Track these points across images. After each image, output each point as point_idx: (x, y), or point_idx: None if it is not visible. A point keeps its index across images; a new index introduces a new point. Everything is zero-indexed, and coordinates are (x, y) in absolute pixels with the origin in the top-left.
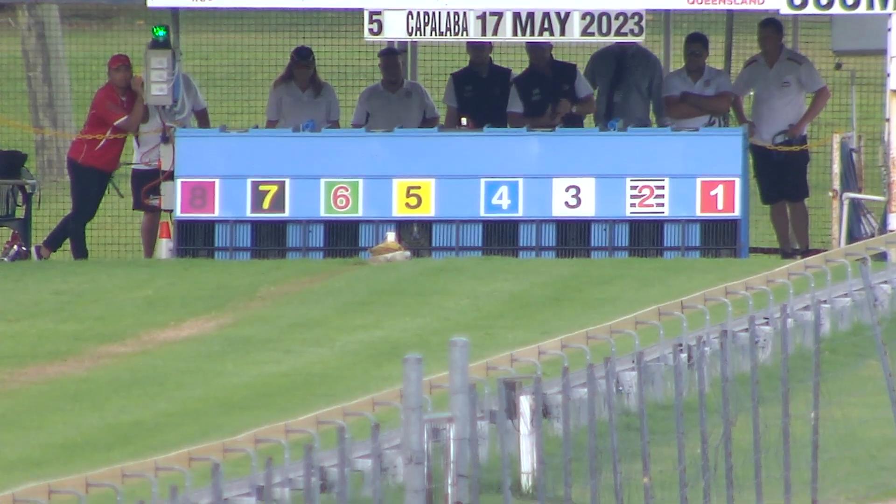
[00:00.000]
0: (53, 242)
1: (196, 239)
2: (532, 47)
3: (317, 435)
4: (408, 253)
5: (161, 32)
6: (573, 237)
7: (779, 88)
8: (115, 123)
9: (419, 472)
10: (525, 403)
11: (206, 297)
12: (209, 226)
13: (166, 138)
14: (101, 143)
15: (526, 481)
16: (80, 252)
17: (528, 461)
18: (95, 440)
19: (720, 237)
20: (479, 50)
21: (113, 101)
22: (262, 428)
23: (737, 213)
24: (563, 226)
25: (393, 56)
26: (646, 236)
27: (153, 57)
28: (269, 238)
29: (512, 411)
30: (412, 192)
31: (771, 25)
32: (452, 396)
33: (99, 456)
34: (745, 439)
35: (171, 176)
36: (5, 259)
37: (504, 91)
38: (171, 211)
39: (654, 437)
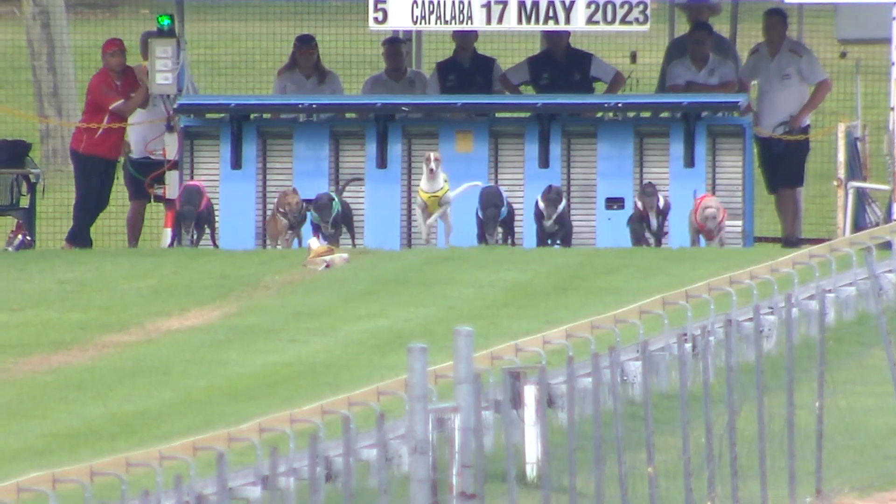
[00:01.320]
0: (75, 237)
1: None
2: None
3: (322, 425)
4: (345, 255)
5: (166, 21)
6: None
7: (779, 81)
8: (111, 107)
9: (424, 461)
10: (530, 393)
11: (210, 286)
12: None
13: (171, 127)
14: (100, 130)
15: (531, 471)
16: (85, 241)
17: (532, 451)
18: (100, 430)
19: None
20: (464, 37)
21: (107, 85)
22: (266, 417)
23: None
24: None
25: (396, 44)
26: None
27: (158, 46)
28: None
29: (517, 401)
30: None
31: (777, 14)
32: (457, 386)
33: (103, 445)
34: (749, 429)
35: (175, 165)
36: (10, 248)
37: (487, 80)
38: (174, 200)
39: (659, 427)
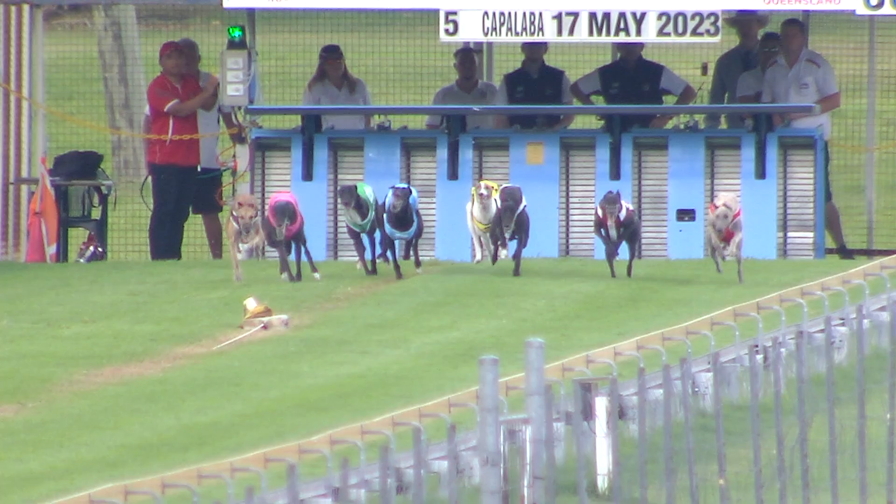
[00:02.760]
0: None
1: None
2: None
3: (393, 436)
4: (284, 317)
5: (237, 33)
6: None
7: (797, 91)
8: (166, 108)
9: (495, 473)
10: (601, 405)
11: (281, 297)
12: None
13: (242, 139)
14: (168, 139)
15: (602, 483)
16: (159, 252)
17: (604, 463)
18: (171, 441)
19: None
20: (533, 49)
21: (163, 87)
22: (338, 429)
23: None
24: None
25: (469, 54)
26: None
27: (229, 57)
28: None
29: (588, 413)
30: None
31: (795, 25)
32: (528, 398)
33: (175, 457)
34: (820, 440)
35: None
36: (81, 260)
37: (556, 92)
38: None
39: (730, 439)
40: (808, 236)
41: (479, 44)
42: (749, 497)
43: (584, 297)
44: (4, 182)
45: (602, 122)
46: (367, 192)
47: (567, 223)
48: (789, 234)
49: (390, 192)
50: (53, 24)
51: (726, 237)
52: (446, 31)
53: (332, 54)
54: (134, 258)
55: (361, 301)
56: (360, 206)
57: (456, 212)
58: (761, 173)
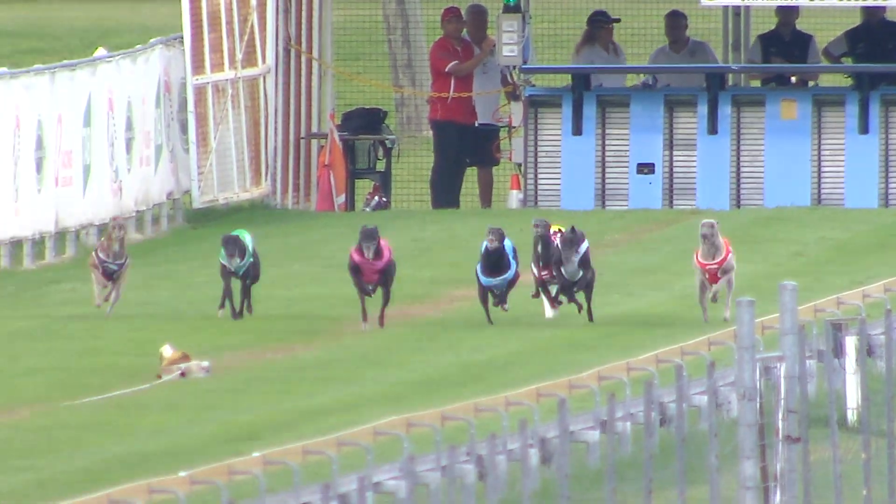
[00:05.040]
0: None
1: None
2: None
3: (656, 373)
4: (205, 363)
5: None
6: None
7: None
8: (447, 69)
9: (752, 407)
10: (850, 343)
11: None
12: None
13: (516, 96)
14: (450, 96)
15: (851, 416)
16: (439, 202)
17: (853, 397)
18: (450, 377)
19: None
20: (787, 13)
21: (444, 49)
22: (605, 366)
23: None
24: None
25: (674, 18)
26: None
27: (504, 20)
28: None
29: (838, 351)
30: None
31: None
32: (782, 337)
33: (453, 391)
34: None
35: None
36: (367, 209)
37: (803, 54)
38: (520, 164)
39: None
40: None
41: (738, 7)
42: None
43: (834, 243)
44: (296, 137)
45: (851, 80)
46: (246, 238)
47: (819, 174)
48: None
49: (486, 241)
50: None
51: (712, 279)
52: None
53: (604, 20)
54: (416, 207)
55: (628, 247)
56: (242, 251)
57: (715, 163)
58: None
